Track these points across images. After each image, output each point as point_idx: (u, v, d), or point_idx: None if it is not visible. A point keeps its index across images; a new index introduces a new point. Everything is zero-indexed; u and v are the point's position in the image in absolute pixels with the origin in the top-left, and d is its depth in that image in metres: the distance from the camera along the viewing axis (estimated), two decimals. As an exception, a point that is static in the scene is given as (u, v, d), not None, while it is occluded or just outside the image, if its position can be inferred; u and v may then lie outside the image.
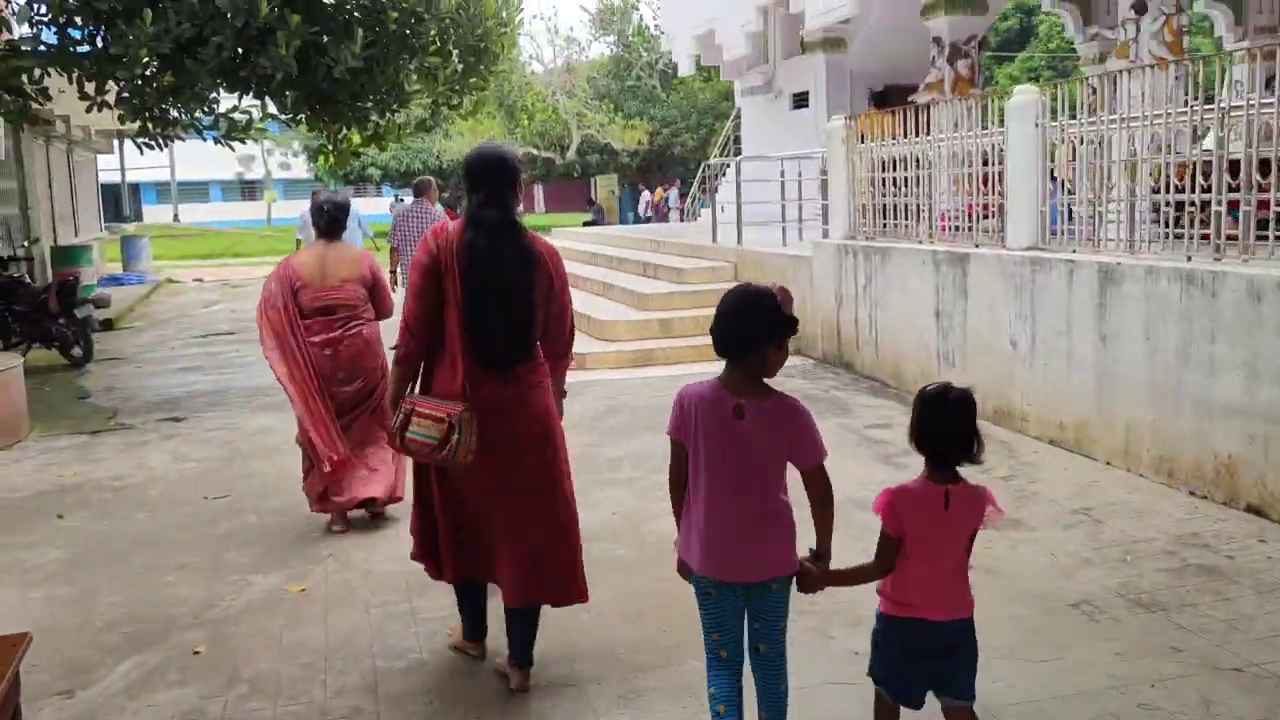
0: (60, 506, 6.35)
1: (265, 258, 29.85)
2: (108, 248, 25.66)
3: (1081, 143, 7.13)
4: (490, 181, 3.75)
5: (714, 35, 18.18)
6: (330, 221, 5.77)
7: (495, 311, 3.68)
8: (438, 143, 34.86)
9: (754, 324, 2.89)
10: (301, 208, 13.55)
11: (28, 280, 12.85)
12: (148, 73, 8.70)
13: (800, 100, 18.68)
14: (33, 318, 11.92)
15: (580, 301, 12.72)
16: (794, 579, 3.03)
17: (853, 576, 3.04)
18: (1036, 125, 7.35)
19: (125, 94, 8.66)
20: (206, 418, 8.82)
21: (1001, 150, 7.69)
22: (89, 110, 9.59)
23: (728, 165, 24.21)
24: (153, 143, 10.62)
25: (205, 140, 10.80)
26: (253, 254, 33.40)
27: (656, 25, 34.49)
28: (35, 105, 10.42)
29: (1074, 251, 6.99)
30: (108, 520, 6.08)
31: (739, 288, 2.98)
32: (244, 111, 10.01)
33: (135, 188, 61.46)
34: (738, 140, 23.51)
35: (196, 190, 63.69)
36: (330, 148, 10.18)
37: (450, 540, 3.90)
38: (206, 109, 10.42)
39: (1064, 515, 5.61)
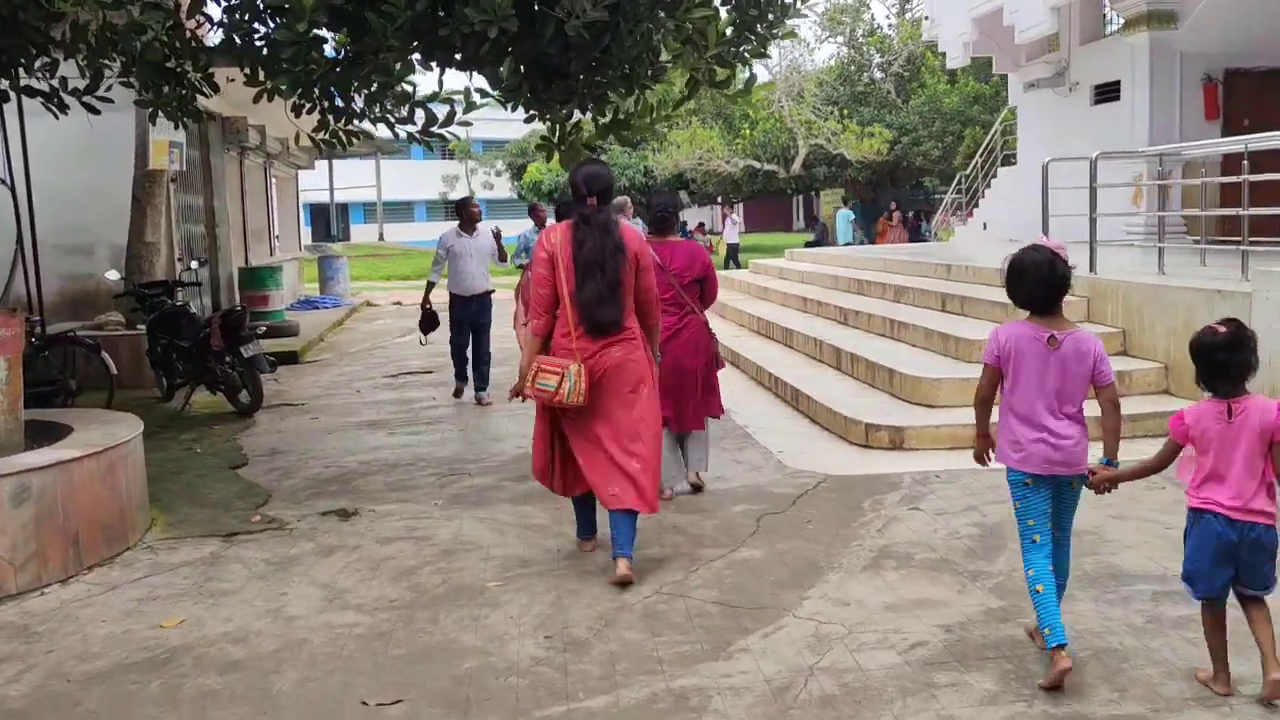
0: (130, 706, 3.84)
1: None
2: (306, 268, 24.28)
3: None
4: (594, 191, 5.08)
5: (1001, 14, 14.91)
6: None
7: (596, 286, 4.94)
8: (649, 156, 32.49)
9: (1060, 281, 3.76)
10: (520, 228, 11.60)
11: (193, 310, 10.77)
12: (314, 33, 6.29)
13: (1105, 93, 15.23)
14: (195, 356, 9.84)
15: (860, 343, 9.82)
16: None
17: (1133, 474, 3.83)
18: None
19: (285, 61, 6.27)
20: (384, 513, 6.30)
21: None
22: (257, 99, 7.31)
23: (993, 176, 20.84)
24: (334, 141, 8.31)
25: (399, 139, 8.41)
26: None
27: (891, 23, 31.20)
28: (203, 96, 8.33)
29: None
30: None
31: (1032, 252, 3.79)
32: (446, 98, 7.55)
33: (344, 207, 62.14)
34: (1007, 146, 20.09)
35: (402, 210, 63.91)
36: (556, 140, 7.59)
37: (568, 463, 5.22)
38: (397, 91, 8.06)
39: None
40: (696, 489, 6.45)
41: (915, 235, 27.54)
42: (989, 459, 4.07)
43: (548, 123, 7.56)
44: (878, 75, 30.12)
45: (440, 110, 7.60)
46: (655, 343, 5.31)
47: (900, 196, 30.18)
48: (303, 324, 16.41)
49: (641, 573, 5.02)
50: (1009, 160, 19.83)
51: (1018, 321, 3.87)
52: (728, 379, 9.51)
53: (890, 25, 31.33)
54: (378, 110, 8.26)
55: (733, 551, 5.32)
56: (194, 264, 12.03)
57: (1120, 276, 8.90)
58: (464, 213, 9.88)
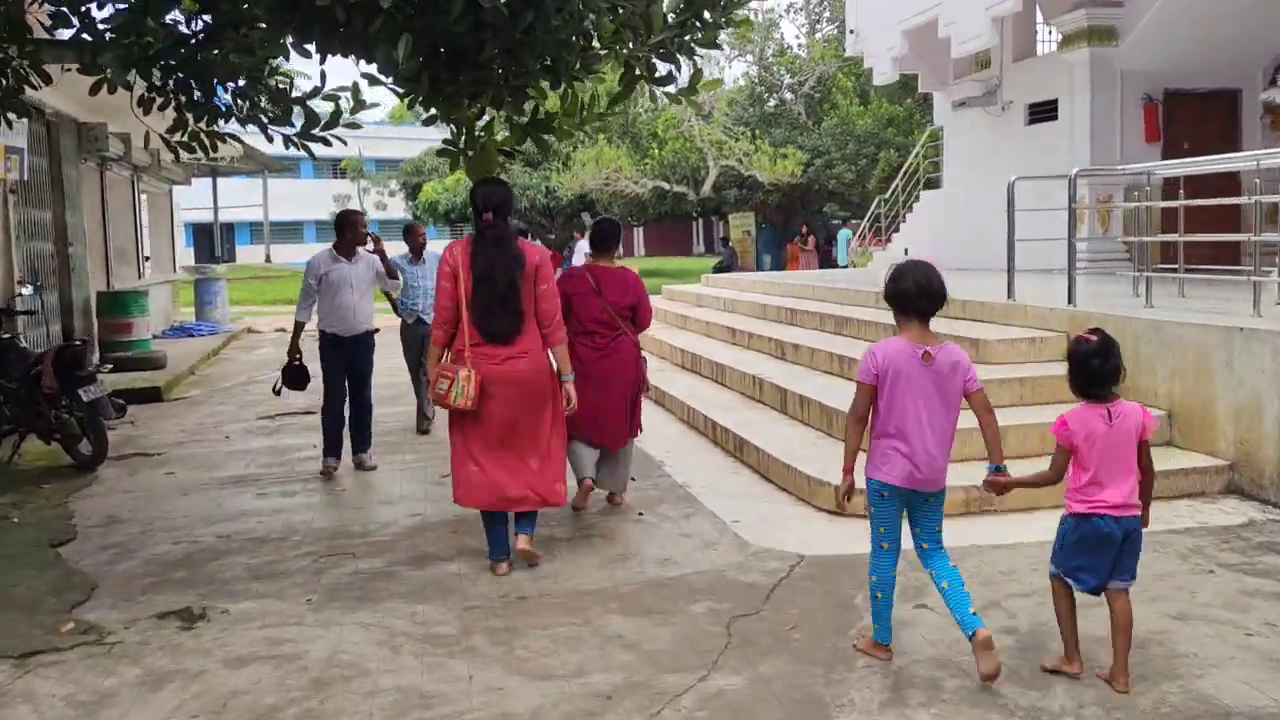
0: None
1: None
2: (182, 292, 22.34)
3: None
4: (490, 206, 5.30)
5: (935, 26, 14.04)
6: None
7: (491, 297, 5.21)
8: (553, 175, 31.18)
9: (939, 293, 3.98)
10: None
11: (23, 344, 9.10)
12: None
13: (1041, 112, 14.48)
14: (24, 399, 8.21)
15: (804, 381, 8.66)
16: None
17: (1029, 482, 4.08)
18: None
19: (112, 32, 4.84)
20: (241, 615, 4.87)
21: None
22: (94, 91, 5.85)
23: (914, 200, 20.07)
24: (194, 145, 6.87)
25: (271, 141, 7.00)
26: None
27: (801, 43, 30.52)
28: (31, 89, 6.87)
29: None
30: None
31: (913, 264, 4.05)
32: (330, 94, 6.24)
33: (229, 227, 59.05)
34: (933, 169, 19.35)
35: (291, 230, 61.50)
36: (462, 145, 6.24)
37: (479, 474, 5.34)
38: (270, 85, 6.69)
39: None
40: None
41: (826, 260, 26.77)
42: (849, 502, 4.20)
43: (452, 124, 6.23)
44: (788, 96, 29.31)
45: (326, 110, 6.27)
46: (563, 360, 5.49)
47: (811, 220, 29.41)
48: (173, 354, 14.68)
49: None
50: (932, 184, 19.08)
51: (893, 339, 4.02)
52: (654, 420, 8.34)
53: (800, 45, 30.59)
54: (247, 108, 6.90)
55: (703, 680, 4.03)
56: (24, 290, 10.30)
57: (1106, 310, 7.90)
58: (345, 232, 7.77)
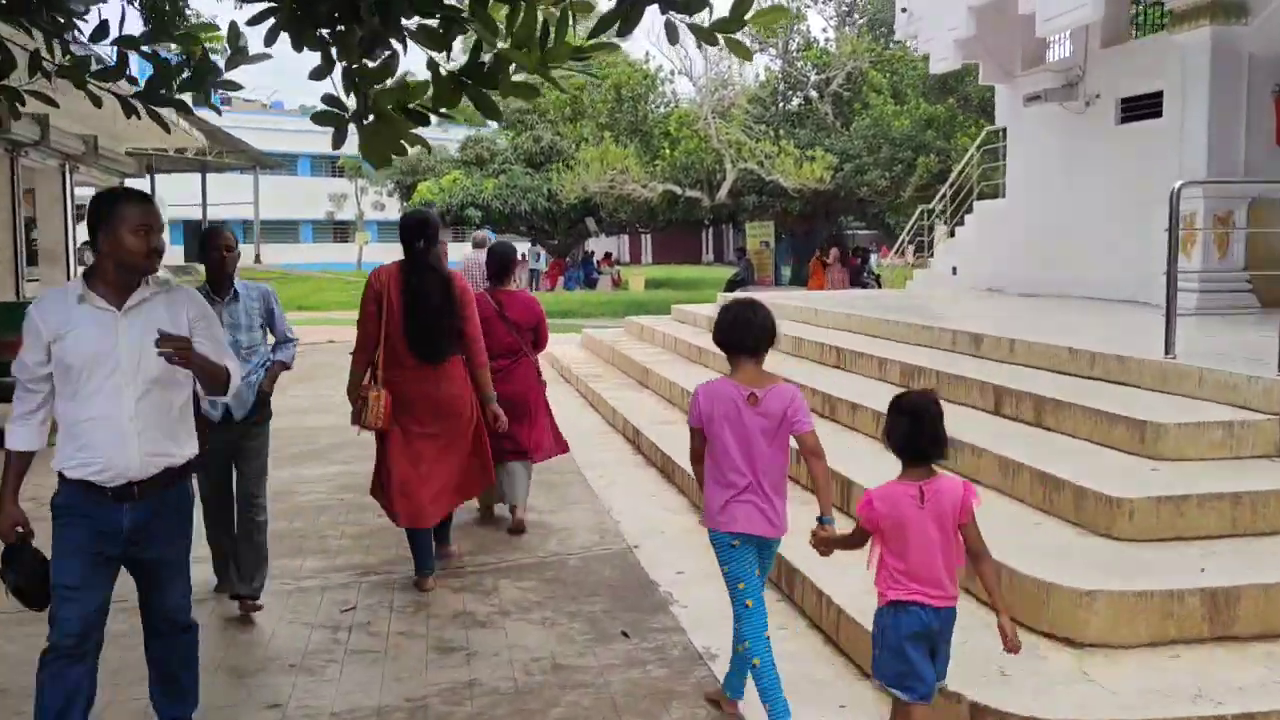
0: None
1: (346, 312, 23.02)
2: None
3: None
4: (419, 235, 5.51)
5: (1012, 1, 11.50)
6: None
7: (423, 319, 5.41)
8: (555, 177, 28.67)
9: (767, 326, 3.87)
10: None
11: None
12: None
13: (1138, 108, 11.94)
14: None
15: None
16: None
17: (843, 543, 3.65)
18: None
19: None
20: None
21: None
22: None
23: (966, 211, 17.55)
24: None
25: (99, 106, 4.56)
26: (333, 304, 26.98)
27: (830, 37, 27.96)
28: None
29: None
30: None
31: (745, 303, 3.98)
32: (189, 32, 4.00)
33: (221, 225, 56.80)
34: (988, 177, 16.84)
35: (286, 230, 59.06)
36: (357, 109, 3.77)
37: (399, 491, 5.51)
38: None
39: None
40: (516, 531, 6.60)
41: (855, 279, 24.16)
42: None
43: (350, 71, 3.73)
44: (813, 95, 26.73)
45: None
46: (483, 382, 5.77)
47: (833, 232, 26.85)
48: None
49: None
50: (987, 194, 16.55)
51: (719, 380, 3.90)
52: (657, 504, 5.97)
53: (829, 39, 27.97)
54: (59, 54, 4.55)
55: None
56: None
57: (1237, 369, 5.40)
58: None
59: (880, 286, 23.43)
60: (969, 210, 16.64)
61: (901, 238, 19.87)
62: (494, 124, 44.96)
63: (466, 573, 5.87)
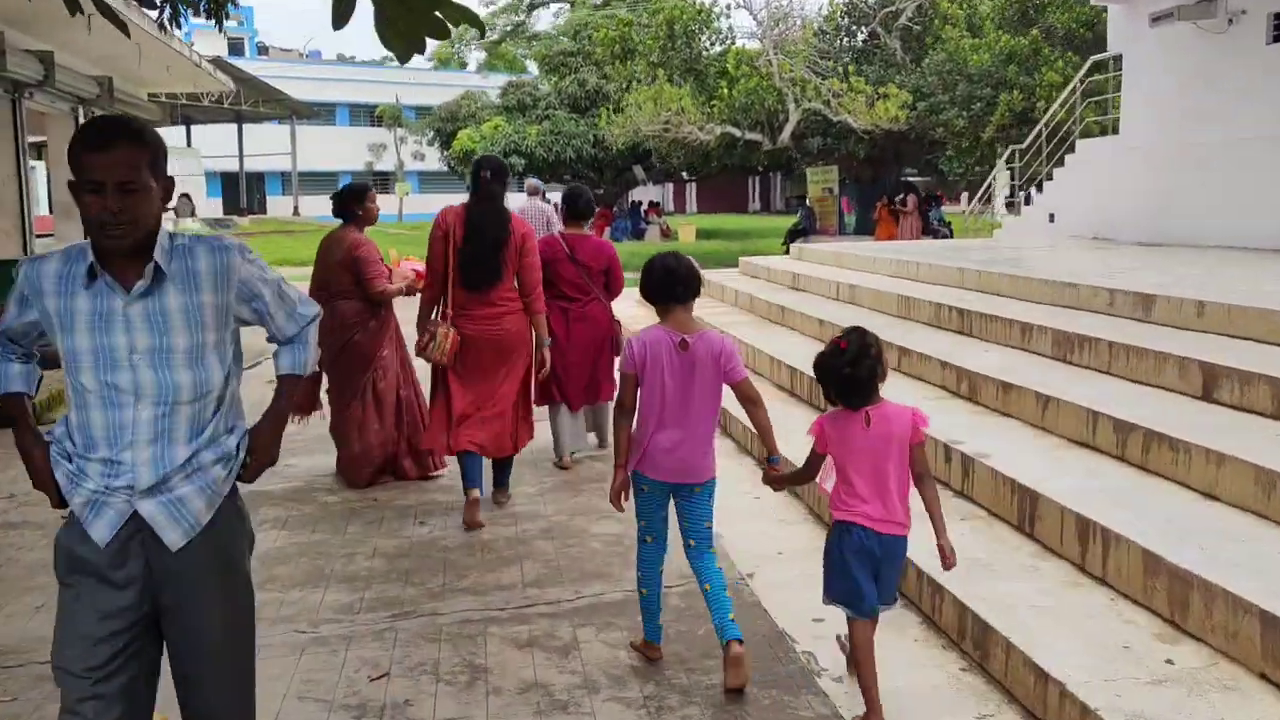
0: None
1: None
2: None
3: None
4: (490, 167, 5.76)
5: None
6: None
7: (478, 246, 5.63)
8: (602, 121, 27.09)
9: (689, 277, 3.90)
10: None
11: None
12: None
13: (1297, 25, 10.25)
14: None
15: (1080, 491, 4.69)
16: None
17: (791, 479, 3.88)
18: None
19: None
20: None
21: None
22: None
23: (1066, 151, 15.83)
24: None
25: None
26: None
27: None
28: None
29: None
30: None
31: (667, 255, 4.01)
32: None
33: (259, 177, 55.73)
34: (1093, 110, 15.13)
35: (326, 181, 57.73)
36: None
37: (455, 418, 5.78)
38: None
39: None
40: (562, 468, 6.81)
41: (928, 227, 22.49)
42: (625, 502, 3.99)
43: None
44: (879, 30, 24.85)
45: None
46: (540, 328, 5.95)
47: (900, 177, 25.04)
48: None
49: None
50: (1093, 132, 14.84)
51: (653, 327, 3.94)
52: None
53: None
54: None
55: None
56: None
57: None
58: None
59: (952, 236, 21.77)
60: (1070, 150, 14.96)
61: (989, 181, 18.17)
62: (535, 69, 43.20)
63: (534, 615, 4.53)
